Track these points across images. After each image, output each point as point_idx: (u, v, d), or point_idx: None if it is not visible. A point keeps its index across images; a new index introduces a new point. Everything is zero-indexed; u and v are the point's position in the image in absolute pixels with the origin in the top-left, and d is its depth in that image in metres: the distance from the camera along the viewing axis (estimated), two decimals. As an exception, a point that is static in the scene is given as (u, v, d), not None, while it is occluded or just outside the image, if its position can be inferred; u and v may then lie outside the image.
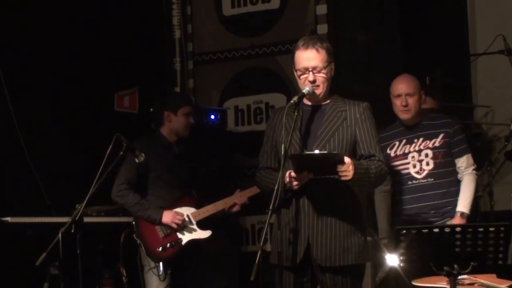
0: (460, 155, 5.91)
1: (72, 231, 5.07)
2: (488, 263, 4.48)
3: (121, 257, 6.25)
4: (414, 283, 5.22)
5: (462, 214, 5.82)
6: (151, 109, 6.56)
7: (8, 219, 6.33)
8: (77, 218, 5.11)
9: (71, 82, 7.22)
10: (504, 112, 7.45)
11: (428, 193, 5.88)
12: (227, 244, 7.51)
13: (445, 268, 4.49)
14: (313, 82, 4.87)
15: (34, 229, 6.32)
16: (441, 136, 5.90)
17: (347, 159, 4.73)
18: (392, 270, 6.02)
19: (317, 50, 4.88)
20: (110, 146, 5.27)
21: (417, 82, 5.98)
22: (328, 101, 4.97)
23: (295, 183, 4.77)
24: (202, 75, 8.22)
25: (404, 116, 5.95)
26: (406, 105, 5.90)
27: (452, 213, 5.85)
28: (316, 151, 4.78)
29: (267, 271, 4.89)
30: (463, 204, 5.83)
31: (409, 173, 5.93)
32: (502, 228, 4.44)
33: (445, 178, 5.89)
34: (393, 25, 7.81)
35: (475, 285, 5.06)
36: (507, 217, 6.05)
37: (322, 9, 7.70)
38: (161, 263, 6.14)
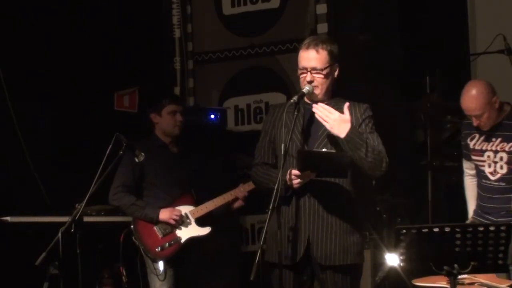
0: None
1: (72, 230, 5.07)
2: (488, 263, 4.48)
3: (121, 257, 6.25)
4: (414, 282, 5.21)
5: None
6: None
7: (8, 218, 6.35)
8: (77, 218, 5.11)
9: (71, 82, 7.22)
10: (504, 111, 7.43)
11: (499, 196, 5.69)
12: (227, 244, 7.50)
13: (445, 267, 4.49)
14: (310, 82, 4.86)
15: (34, 228, 6.33)
16: None
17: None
18: (392, 270, 6.02)
19: (317, 51, 4.85)
20: (110, 146, 5.27)
21: (481, 99, 5.62)
22: (330, 101, 4.95)
23: (296, 181, 4.75)
24: (202, 75, 8.22)
25: (483, 129, 5.75)
26: (478, 124, 5.71)
27: None
28: (324, 150, 4.77)
29: (267, 270, 4.89)
30: None
31: (484, 171, 5.75)
32: (502, 228, 4.43)
33: None
34: (393, 25, 7.81)
35: (475, 285, 5.06)
36: (507, 217, 6.02)
37: (322, 9, 7.71)
38: (161, 263, 6.13)
